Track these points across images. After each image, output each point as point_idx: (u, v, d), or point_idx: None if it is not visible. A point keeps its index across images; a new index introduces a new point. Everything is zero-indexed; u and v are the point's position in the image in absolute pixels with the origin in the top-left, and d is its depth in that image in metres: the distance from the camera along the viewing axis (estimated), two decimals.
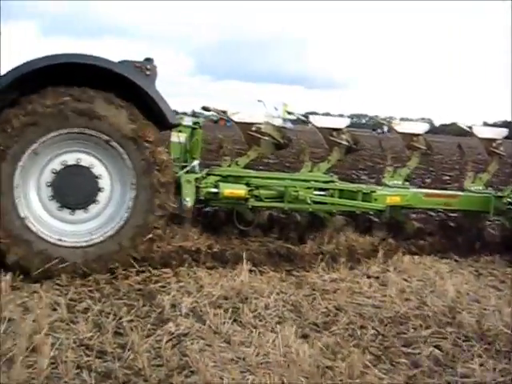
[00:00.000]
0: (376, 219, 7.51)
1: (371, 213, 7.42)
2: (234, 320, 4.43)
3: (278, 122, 6.89)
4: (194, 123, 6.67)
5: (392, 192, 7.08)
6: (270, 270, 5.81)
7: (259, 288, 5.17)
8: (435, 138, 42.96)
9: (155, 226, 5.32)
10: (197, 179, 6.28)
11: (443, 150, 29.76)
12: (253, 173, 6.79)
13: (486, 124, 13.18)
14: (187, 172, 6.28)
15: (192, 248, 6.16)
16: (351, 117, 41.70)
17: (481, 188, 7.64)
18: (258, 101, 7.59)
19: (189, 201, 6.07)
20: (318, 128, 7.14)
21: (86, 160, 5.27)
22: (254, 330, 4.28)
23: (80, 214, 5.31)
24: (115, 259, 5.20)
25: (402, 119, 9.15)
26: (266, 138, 6.63)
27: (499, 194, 7.40)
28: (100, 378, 3.43)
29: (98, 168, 5.31)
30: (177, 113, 7.19)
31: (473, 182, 7.71)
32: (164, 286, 5.12)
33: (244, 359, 3.80)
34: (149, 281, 5.21)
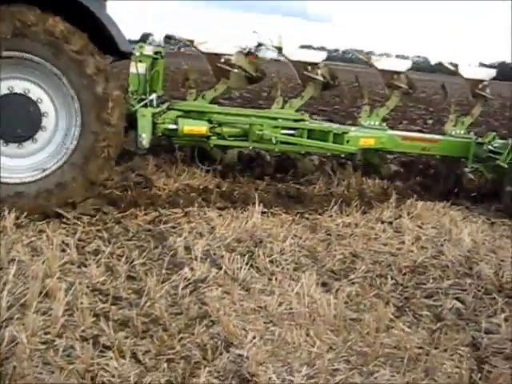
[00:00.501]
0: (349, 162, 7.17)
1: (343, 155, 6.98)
2: (251, 265, 4.26)
3: (272, 55, 6.59)
4: (156, 53, 6.02)
5: (366, 134, 6.62)
6: (281, 212, 5.62)
7: (273, 231, 4.99)
8: (430, 76, 42.40)
9: (108, 145, 4.76)
10: (154, 114, 5.72)
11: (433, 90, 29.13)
12: (217, 108, 6.25)
13: (481, 65, 12.47)
14: (145, 106, 5.69)
15: (200, 186, 5.93)
16: (348, 52, 40.26)
17: (462, 132, 7.19)
18: (253, 32, 6.97)
19: (144, 137, 5.52)
20: (291, 61, 6.54)
21: (20, 86, 4.67)
22: (272, 277, 4.13)
23: (29, 146, 4.79)
24: (72, 188, 4.77)
25: (397, 56, 8.64)
26: (236, 70, 6.13)
27: (480, 139, 6.95)
28: (118, 327, 3.26)
29: (36, 92, 4.72)
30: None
31: (454, 126, 7.25)
32: (174, 227, 4.91)
33: (266, 309, 3.65)
34: (158, 221, 5.00)
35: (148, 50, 5.94)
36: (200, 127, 5.86)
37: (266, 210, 5.48)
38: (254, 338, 3.26)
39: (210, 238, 4.72)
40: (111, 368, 2.88)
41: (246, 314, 3.56)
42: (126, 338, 3.17)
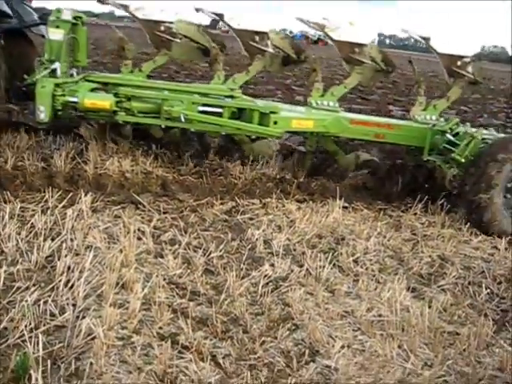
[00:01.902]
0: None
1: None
2: (333, 264, 3.99)
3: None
4: (75, 18, 5.33)
5: (302, 115, 5.70)
6: (362, 207, 5.32)
7: (355, 228, 4.70)
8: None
9: None
10: (57, 85, 5.04)
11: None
12: (134, 80, 5.55)
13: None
14: (48, 76, 5.08)
15: (277, 176, 5.67)
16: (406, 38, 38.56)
17: (434, 118, 6.04)
18: (323, 19, 6.00)
19: (43, 110, 4.95)
20: (234, 31, 5.73)
21: None
22: (357, 279, 3.85)
23: None
24: None
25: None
26: (179, 40, 5.64)
27: (437, 127, 5.74)
28: (196, 325, 3.07)
29: None
30: None
31: (424, 110, 6.14)
32: (252, 219, 4.69)
33: (353, 314, 3.38)
34: (235, 211, 4.80)
35: (66, 14, 5.23)
36: (104, 101, 5.08)
37: (347, 204, 5.18)
38: (342, 347, 2.99)
39: (290, 232, 4.47)
40: (190, 371, 2.68)
41: (332, 319, 3.29)
42: (205, 338, 2.97)
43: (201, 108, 5.34)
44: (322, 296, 3.54)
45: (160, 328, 2.98)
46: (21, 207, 4.26)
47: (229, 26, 5.65)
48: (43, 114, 5.00)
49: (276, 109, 5.51)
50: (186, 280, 3.53)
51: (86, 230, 3.96)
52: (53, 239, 3.77)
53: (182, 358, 2.77)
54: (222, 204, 4.89)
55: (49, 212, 4.21)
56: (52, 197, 4.46)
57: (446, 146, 5.53)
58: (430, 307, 3.49)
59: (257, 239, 4.23)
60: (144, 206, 4.53)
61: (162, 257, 3.77)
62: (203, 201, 4.86)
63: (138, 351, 2.75)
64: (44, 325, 2.87)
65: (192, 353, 2.81)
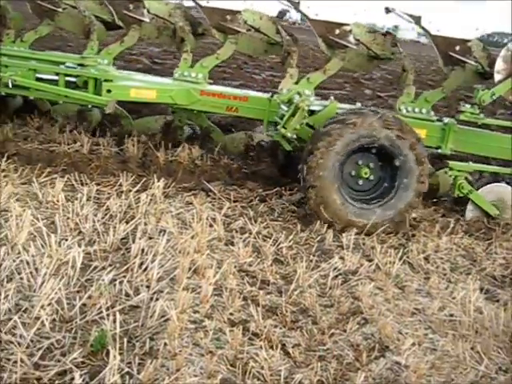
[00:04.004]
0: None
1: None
2: (403, 261, 3.94)
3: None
4: None
5: (143, 84, 5.31)
6: (430, 203, 5.20)
7: (426, 225, 4.62)
8: None
9: None
10: None
11: None
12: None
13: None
14: None
15: None
16: (494, 35, 36.46)
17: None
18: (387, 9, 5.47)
19: None
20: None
21: None
22: (428, 277, 3.78)
23: None
24: None
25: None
26: (61, 9, 5.47)
27: (275, 98, 5.16)
28: (266, 314, 3.10)
29: None
30: None
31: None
32: None
33: (424, 312, 3.33)
34: (303, 202, 4.77)
35: None
36: None
37: None
38: (412, 344, 2.95)
39: None
40: (261, 358, 2.70)
41: (402, 316, 3.25)
42: (275, 326, 2.99)
43: (38, 75, 5.08)
44: (392, 292, 3.50)
45: (231, 314, 3.02)
46: (97, 190, 4.40)
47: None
48: None
49: (111, 77, 5.13)
50: (256, 268, 3.57)
51: (159, 214, 4.05)
52: (127, 222, 3.88)
53: (252, 344, 2.80)
54: (290, 195, 4.89)
55: (123, 196, 4.34)
56: (126, 181, 4.58)
57: (277, 119, 5.02)
58: (505, 310, 3.38)
59: (326, 232, 4.22)
60: (215, 194, 4.58)
61: (232, 244, 3.82)
62: (272, 191, 4.87)
63: (210, 335, 2.79)
64: (120, 304, 2.95)
65: (262, 340, 2.84)
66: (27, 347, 2.52)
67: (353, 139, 4.31)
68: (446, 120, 5.15)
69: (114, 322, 2.70)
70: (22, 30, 5.84)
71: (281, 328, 3.00)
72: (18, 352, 2.43)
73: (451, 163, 4.95)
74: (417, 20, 5.06)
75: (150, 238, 3.66)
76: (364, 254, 3.99)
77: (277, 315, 3.11)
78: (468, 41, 5.13)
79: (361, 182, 4.50)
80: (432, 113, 5.19)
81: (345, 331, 3.03)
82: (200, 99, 5.16)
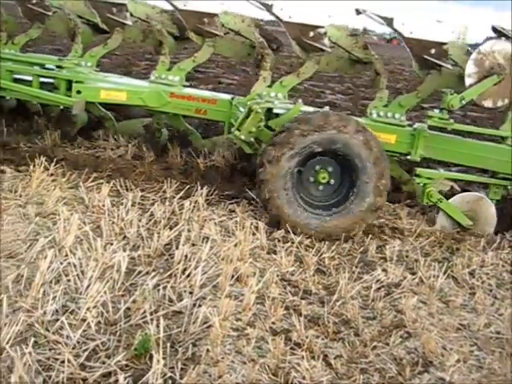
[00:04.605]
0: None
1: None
2: (448, 275, 3.87)
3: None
4: None
5: (114, 86, 5.27)
6: None
7: (471, 239, 4.53)
8: None
9: None
10: None
11: None
12: None
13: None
14: None
15: None
16: None
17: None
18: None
19: None
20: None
21: None
22: (473, 292, 3.71)
23: None
24: None
25: None
26: (51, 13, 5.56)
27: (235, 100, 5.17)
28: (308, 324, 3.08)
29: None
30: None
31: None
32: None
33: (469, 328, 3.26)
34: None
35: None
36: None
37: None
38: (457, 361, 2.89)
39: (402, 238, 4.38)
40: (302, 368, 2.69)
41: (447, 331, 3.19)
42: (317, 337, 2.98)
43: (16, 76, 5.17)
44: (436, 306, 3.44)
45: (273, 323, 3.02)
46: (141, 196, 4.47)
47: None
48: None
49: (81, 78, 5.14)
50: (298, 278, 3.56)
51: (202, 221, 4.08)
52: (171, 228, 3.92)
53: (294, 354, 2.79)
54: None
55: (167, 202, 4.39)
56: (170, 187, 4.64)
57: (233, 121, 4.94)
58: None
59: (369, 244, 4.18)
60: (257, 202, 4.59)
61: (274, 253, 3.82)
62: None
63: (252, 343, 2.80)
64: (163, 309, 2.99)
65: (304, 350, 2.83)
66: (73, 348, 2.57)
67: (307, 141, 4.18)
68: (416, 125, 4.95)
69: (158, 326, 2.73)
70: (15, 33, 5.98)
71: (323, 339, 2.98)
72: (66, 352, 2.48)
73: (419, 170, 4.75)
74: (389, 22, 4.84)
75: (193, 245, 3.69)
76: (407, 266, 3.94)
77: (319, 326, 3.09)
78: (444, 43, 4.83)
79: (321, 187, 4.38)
80: (404, 118, 4.97)
81: (387, 344, 3.00)
82: (170, 101, 5.18)
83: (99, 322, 2.83)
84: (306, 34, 4.95)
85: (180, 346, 2.72)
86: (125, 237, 3.77)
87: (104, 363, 2.51)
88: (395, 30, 4.89)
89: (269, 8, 4.97)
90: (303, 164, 4.27)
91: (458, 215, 4.70)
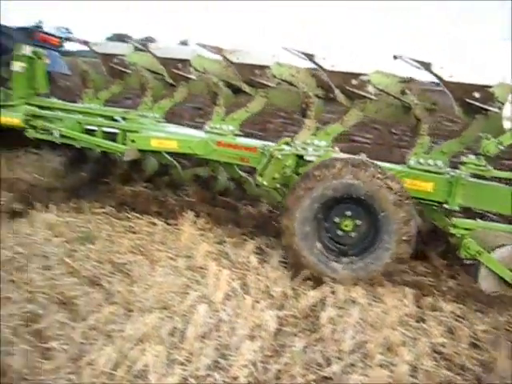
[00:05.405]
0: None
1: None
2: None
3: None
4: (34, 53, 6.20)
5: (164, 135, 5.42)
6: None
7: None
8: None
9: None
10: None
11: None
12: (46, 102, 6.10)
13: None
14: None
15: None
16: None
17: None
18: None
19: None
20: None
21: None
22: None
23: None
24: None
25: None
26: (130, 71, 5.91)
27: (266, 148, 4.94)
28: None
29: None
30: None
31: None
32: None
33: None
34: None
35: (26, 50, 6.16)
36: (14, 119, 5.82)
37: None
38: None
39: None
40: None
41: None
42: None
43: (87, 127, 5.69)
44: None
45: None
46: (282, 254, 4.47)
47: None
48: None
49: (136, 128, 5.48)
50: (451, 351, 3.35)
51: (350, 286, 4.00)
52: (316, 289, 3.88)
53: None
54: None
55: None
56: None
57: (257, 167, 4.92)
58: None
59: None
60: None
61: (423, 322, 3.65)
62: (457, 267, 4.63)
63: None
64: (312, 373, 2.94)
65: None
66: None
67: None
68: (453, 172, 4.54)
69: None
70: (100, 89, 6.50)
71: None
72: None
73: (455, 220, 4.35)
74: (426, 66, 4.58)
75: (340, 308, 3.62)
76: None
77: None
78: (489, 86, 4.41)
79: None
80: (445, 165, 4.60)
81: None
82: (216, 150, 5.30)
83: (249, 382, 2.84)
84: (348, 82, 4.89)
85: None
86: (271, 295, 3.79)
87: None
88: (434, 75, 4.62)
89: (310, 57, 4.94)
90: (324, 210, 4.25)
91: (503, 271, 4.21)
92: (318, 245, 4.23)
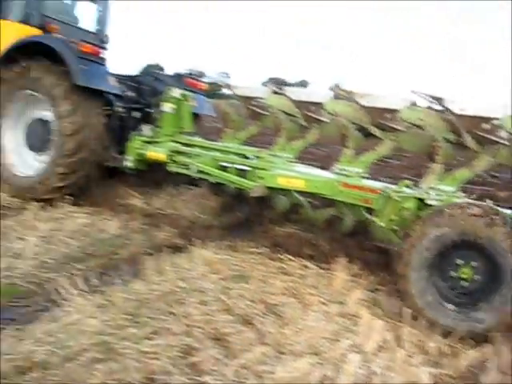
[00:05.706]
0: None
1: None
2: None
3: None
4: (182, 95, 6.79)
5: (294, 174, 5.60)
6: None
7: None
8: None
9: None
10: (146, 142, 6.63)
11: None
12: (198, 141, 6.58)
13: None
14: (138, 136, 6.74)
15: None
16: None
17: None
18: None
19: (128, 159, 6.64)
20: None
21: None
22: None
23: None
24: None
25: None
26: (268, 113, 6.06)
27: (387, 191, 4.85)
28: None
29: None
30: None
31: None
32: None
33: None
34: None
35: (175, 92, 6.74)
36: (160, 154, 6.44)
37: None
38: None
39: None
40: None
41: None
42: None
43: (222, 164, 6.13)
44: None
45: None
46: None
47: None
48: (128, 162, 6.67)
49: (265, 166, 5.75)
50: None
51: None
52: (475, 347, 3.65)
53: None
54: None
55: None
56: None
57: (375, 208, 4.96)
58: None
59: None
60: None
61: None
62: None
63: None
64: None
65: None
66: None
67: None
68: None
69: None
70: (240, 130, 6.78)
71: None
72: None
73: None
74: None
75: (504, 374, 3.35)
76: None
77: None
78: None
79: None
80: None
81: None
82: (342, 191, 5.29)
83: None
84: (478, 126, 4.77)
85: None
86: (425, 350, 3.61)
87: None
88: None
89: (440, 101, 4.94)
90: (440, 256, 4.17)
91: None
92: (435, 291, 4.15)
